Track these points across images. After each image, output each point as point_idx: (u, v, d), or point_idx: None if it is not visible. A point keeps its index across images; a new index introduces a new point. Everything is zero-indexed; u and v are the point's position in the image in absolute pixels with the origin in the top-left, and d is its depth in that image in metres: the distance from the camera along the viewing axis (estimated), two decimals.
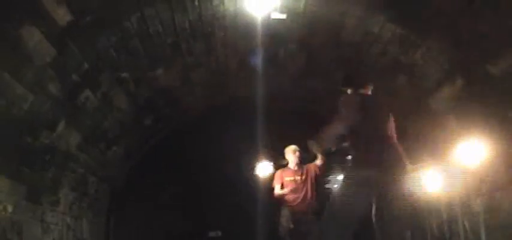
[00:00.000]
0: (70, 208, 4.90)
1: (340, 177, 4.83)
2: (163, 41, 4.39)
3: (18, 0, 2.95)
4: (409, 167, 3.49)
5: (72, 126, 4.34)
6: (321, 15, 4.23)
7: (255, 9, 3.86)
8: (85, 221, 5.41)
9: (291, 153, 5.37)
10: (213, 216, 7.64)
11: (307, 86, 5.90)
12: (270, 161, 6.44)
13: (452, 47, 3.86)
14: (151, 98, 5.40)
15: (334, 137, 3.53)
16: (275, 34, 4.52)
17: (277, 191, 5.33)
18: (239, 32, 4.52)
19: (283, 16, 4.12)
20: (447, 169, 4.48)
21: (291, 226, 5.17)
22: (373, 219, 3.40)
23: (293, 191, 5.24)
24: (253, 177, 6.77)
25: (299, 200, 5.21)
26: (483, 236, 4.13)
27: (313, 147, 3.91)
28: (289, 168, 5.39)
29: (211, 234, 7.74)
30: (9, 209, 3.58)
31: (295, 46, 4.94)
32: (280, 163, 5.77)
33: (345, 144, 3.49)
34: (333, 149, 4.43)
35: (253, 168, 6.46)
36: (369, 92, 3.51)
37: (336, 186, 5.65)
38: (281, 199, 5.31)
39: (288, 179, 5.32)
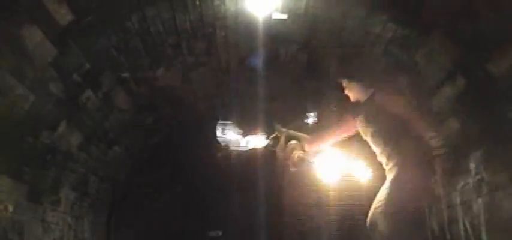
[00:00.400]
0: (71, 208, 4.91)
1: None
2: (165, 41, 4.40)
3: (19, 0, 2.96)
4: None
5: (73, 126, 4.34)
6: (322, 15, 4.23)
7: (256, 9, 3.86)
8: (86, 220, 5.42)
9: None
10: (214, 216, 7.64)
11: (308, 86, 5.90)
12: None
13: (453, 47, 3.86)
14: (152, 97, 5.40)
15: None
16: (276, 34, 4.52)
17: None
18: (240, 32, 4.52)
19: (285, 16, 4.12)
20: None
21: None
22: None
23: None
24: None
25: None
26: (484, 236, 4.12)
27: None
28: None
29: (212, 233, 7.74)
30: (10, 208, 3.58)
31: (296, 46, 4.94)
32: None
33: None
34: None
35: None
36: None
37: None
38: None
39: None
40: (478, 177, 4.10)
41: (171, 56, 4.73)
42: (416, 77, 4.35)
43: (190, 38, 4.51)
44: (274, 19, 4.13)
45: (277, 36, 4.60)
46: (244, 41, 4.73)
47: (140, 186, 6.97)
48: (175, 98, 5.83)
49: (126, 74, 4.60)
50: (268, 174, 6.05)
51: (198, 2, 3.96)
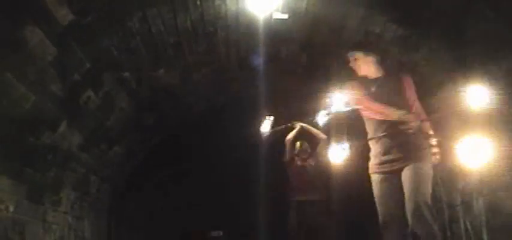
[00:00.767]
0: (72, 208, 4.91)
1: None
2: (165, 41, 4.39)
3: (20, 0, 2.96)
4: None
5: (73, 126, 4.34)
6: (323, 15, 4.23)
7: (257, 9, 3.86)
8: (86, 220, 5.42)
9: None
10: (214, 216, 7.64)
11: (308, 85, 5.90)
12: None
13: (453, 47, 3.86)
14: (153, 97, 5.40)
15: None
16: (277, 34, 4.52)
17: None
18: (241, 32, 4.52)
19: (285, 16, 4.12)
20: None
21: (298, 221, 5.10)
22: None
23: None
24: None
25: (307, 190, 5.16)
26: (485, 237, 4.12)
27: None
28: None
29: (213, 234, 7.74)
30: (11, 208, 3.58)
31: (296, 46, 4.94)
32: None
33: None
34: None
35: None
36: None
37: None
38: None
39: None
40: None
41: (172, 55, 4.73)
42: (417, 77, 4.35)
43: (191, 38, 4.51)
44: (275, 19, 4.13)
45: (278, 36, 4.60)
46: (245, 41, 4.73)
47: (141, 186, 6.97)
48: (176, 98, 5.82)
49: (126, 74, 4.59)
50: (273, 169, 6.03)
51: (198, 2, 3.96)
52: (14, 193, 3.63)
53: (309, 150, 5.36)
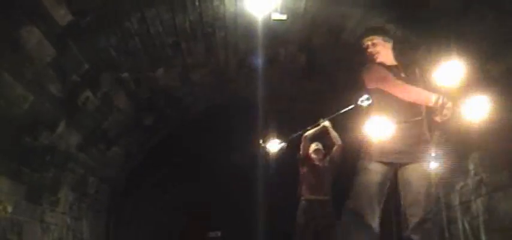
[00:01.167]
0: (70, 208, 4.90)
1: None
2: (164, 41, 4.39)
3: (19, 0, 2.95)
4: None
5: (72, 126, 4.33)
6: (321, 16, 4.24)
7: (255, 9, 3.86)
8: (85, 221, 5.41)
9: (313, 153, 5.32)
10: (213, 217, 7.65)
11: (307, 86, 5.90)
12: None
13: (452, 47, 3.86)
14: (151, 98, 5.39)
15: None
16: (275, 35, 4.52)
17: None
18: (239, 33, 4.52)
19: (284, 17, 4.11)
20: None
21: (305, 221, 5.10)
22: None
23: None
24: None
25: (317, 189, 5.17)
26: (483, 237, 4.13)
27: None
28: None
29: (211, 234, 7.74)
30: (9, 209, 3.58)
31: (295, 47, 4.94)
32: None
33: None
34: None
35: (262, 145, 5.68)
36: None
37: None
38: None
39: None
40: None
41: (171, 56, 4.73)
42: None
43: (189, 39, 4.51)
44: (274, 20, 4.13)
45: (276, 37, 4.60)
46: (243, 42, 4.73)
47: (139, 186, 6.97)
48: (174, 98, 5.82)
49: (125, 75, 4.59)
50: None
51: (197, 3, 3.96)
52: (12, 194, 3.62)
53: (323, 151, 5.38)
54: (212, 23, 4.33)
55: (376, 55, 3.35)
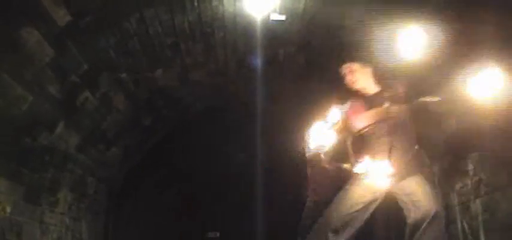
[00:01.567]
0: (69, 209, 4.90)
1: None
2: (163, 42, 4.39)
3: (17, 0, 2.95)
4: None
5: (71, 127, 4.33)
6: (321, 16, 4.23)
7: (254, 10, 3.86)
8: (84, 221, 5.40)
9: None
10: (212, 217, 7.64)
11: (306, 87, 5.90)
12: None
13: (452, 47, 3.86)
14: (150, 98, 5.39)
15: None
16: (274, 35, 4.52)
17: None
18: (238, 33, 4.52)
19: (283, 17, 4.12)
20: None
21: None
22: None
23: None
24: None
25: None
26: (482, 238, 4.13)
27: None
28: None
29: (210, 234, 7.73)
30: (8, 209, 3.57)
31: (294, 47, 4.94)
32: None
33: None
34: None
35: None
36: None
37: None
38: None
39: None
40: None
41: (170, 56, 4.73)
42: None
43: (188, 39, 4.51)
44: (273, 20, 4.13)
45: (275, 37, 4.60)
46: (242, 42, 4.73)
47: (138, 187, 6.96)
48: (173, 99, 5.82)
49: (124, 75, 4.59)
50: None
51: (196, 3, 3.96)
52: (11, 194, 3.62)
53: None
54: (211, 24, 4.32)
55: (354, 82, 3.31)
